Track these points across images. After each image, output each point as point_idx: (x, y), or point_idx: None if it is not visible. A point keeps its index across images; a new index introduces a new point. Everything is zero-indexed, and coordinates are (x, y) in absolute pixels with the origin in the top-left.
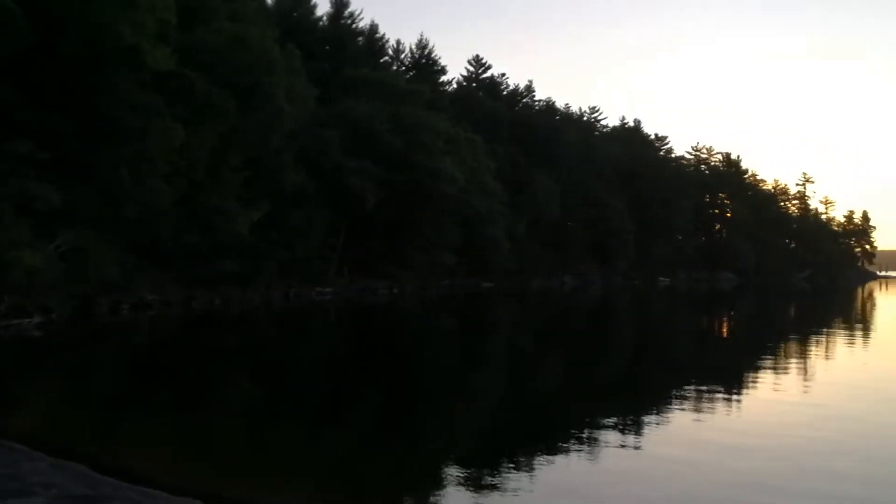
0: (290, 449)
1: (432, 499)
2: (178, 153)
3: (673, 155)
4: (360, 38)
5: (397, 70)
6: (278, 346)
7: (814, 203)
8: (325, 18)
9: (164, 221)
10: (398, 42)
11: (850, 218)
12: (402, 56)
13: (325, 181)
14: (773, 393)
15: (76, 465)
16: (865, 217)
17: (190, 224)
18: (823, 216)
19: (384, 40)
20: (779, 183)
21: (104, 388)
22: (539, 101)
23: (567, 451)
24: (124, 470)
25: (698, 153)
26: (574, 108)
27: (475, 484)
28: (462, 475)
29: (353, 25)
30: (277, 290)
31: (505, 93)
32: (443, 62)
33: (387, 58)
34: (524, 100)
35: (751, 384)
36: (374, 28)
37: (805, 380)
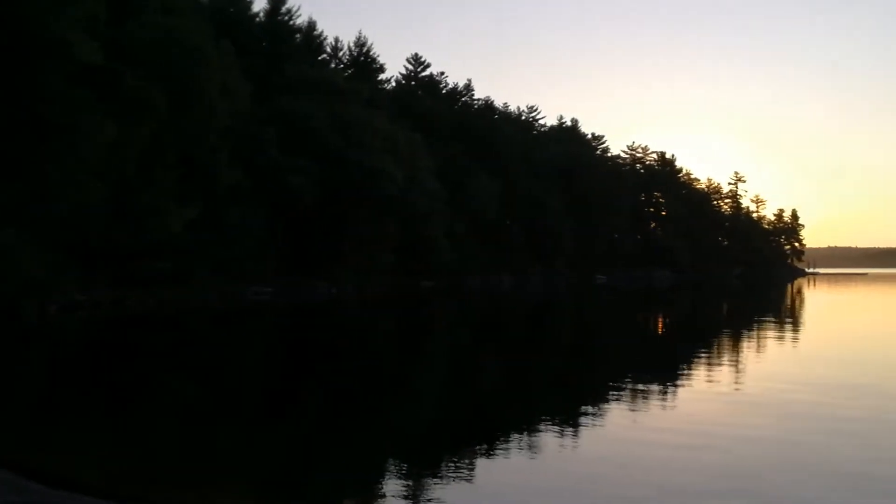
0: (225, 452)
1: (373, 500)
2: (109, 150)
3: (609, 154)
4: (298, 35)
5: (335, 68)
6: (214, 346)
7: (745, 202)
8: (261, 14)
9: (95, 220)
10: (336, 40)
11: (780, 216)
12: (341, 54)
13: (262, 179)
14: (706, 389)
15: (2, 472)
16: (795, 215)
17: (122, 222)
18: (755, 214)
19: (322, 38)
20: (712, 182)
21: (31, 391)
22: (478, 100)
23: (507, 449)
24: (53, 475)
25: (634, 152)
26: (513, 108)
27: (415, 483)
28: (402, 474)
29: (291, 22)
30: (213, 289)
31: (444, 91)
32: (381, 60)
33: (325, 55)
34: (463, 98)
35: (685, 381)
36: (311, 25)
37: (737, 376)
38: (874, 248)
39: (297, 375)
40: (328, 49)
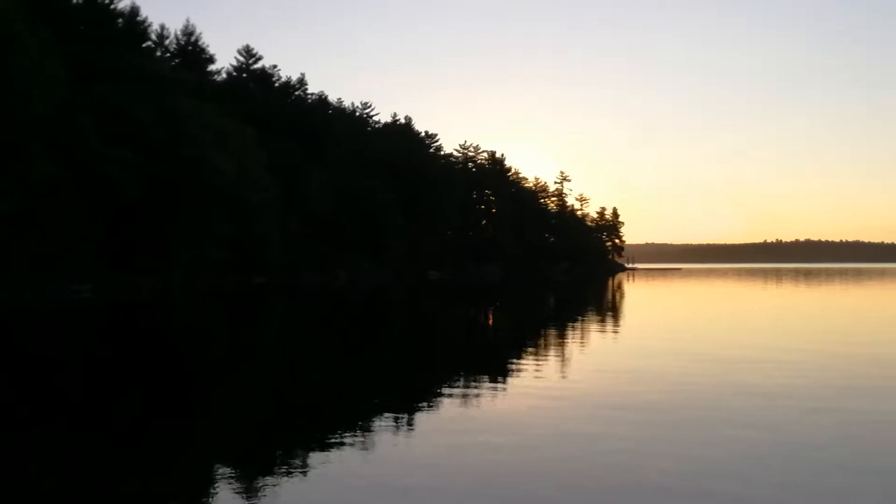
0: (44, 462)
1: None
2: None
3: (442, 152)
4: (120, 20)
5: (161, 56)
6: (28, 350)
7: (570, 200)
8: None
9: None
10: (162, 27)
11: (602, 214)
12: (167, 42)
13: (82, 171)
14: (532, 383)
15: None
16: (615, 213)
17: None
18: (579, 212)
19: (146, 24)
20: (539, 181)
21: None
22: (311, 94)
23: (341, 447)
24: None
25: (466, 151)
26: (347, 103)
27: (246, 486)
28: (231, 477)
29: (112, 6)
30: (29, 288)
31: (277, 85)
32: (211, 51)
33: (150, 43)
34: (297, 92)
35: (511, 375)
36: (134, 10)
37: (564, 368)
38: (688, 244)
39: (118, 378)
40: (153, 37)
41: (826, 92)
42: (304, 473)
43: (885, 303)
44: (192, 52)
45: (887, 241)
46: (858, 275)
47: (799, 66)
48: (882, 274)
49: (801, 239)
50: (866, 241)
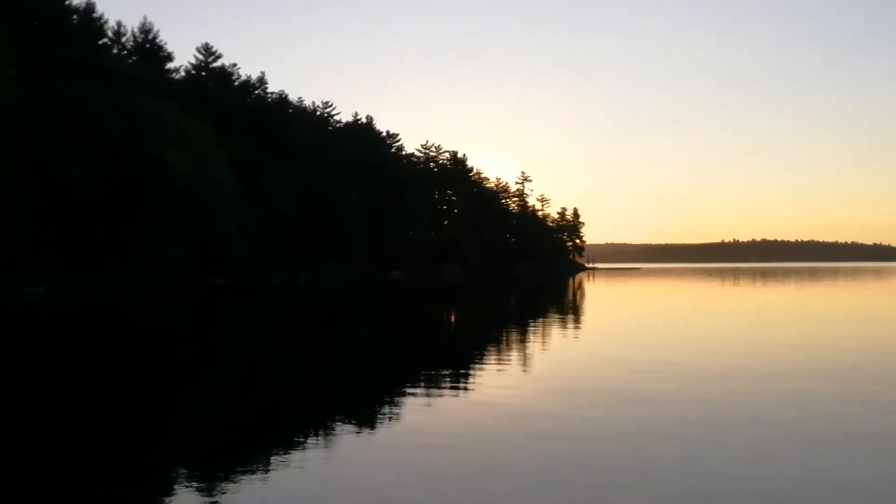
0: (7, 469)
1: None
2: None
3: (404, 152)
4: (75, 17)
5: (118, 53)
6: None
7: (531, 200)
8: None
9: None
10: (119, 24)
11: (563, 214)
12: (124, 39)
13: (35, 170)
14: (493, 387)
15: None
16: (576, 214)
17: None
18: (540, 213)
19: (103, 21)
20: (500, 181)
21: None
22: (272, 93)
23: (302, 450)
24: None
25: (427, 151)
26: (308, 102)
27: (208, 488)
28: (194, 479)
29: (66, 1)
30: None
31: (237, 83)
32: (169, 48)
33: (106, 40)
34: (256, 91)
35: (473, 379)
36: (90, 6)
37: (524, 373)
38: (647, 244)
39: (79, 380)
40: (110, 33)
41: (779, 94)
42: (264, 477)
43: (843, 301)
44: (149, 50)
45: (840, 240)
46: (813, 274)
47: (753, 68)
48: (836, 273)
49: (758, 239)
50: (820, 240)
